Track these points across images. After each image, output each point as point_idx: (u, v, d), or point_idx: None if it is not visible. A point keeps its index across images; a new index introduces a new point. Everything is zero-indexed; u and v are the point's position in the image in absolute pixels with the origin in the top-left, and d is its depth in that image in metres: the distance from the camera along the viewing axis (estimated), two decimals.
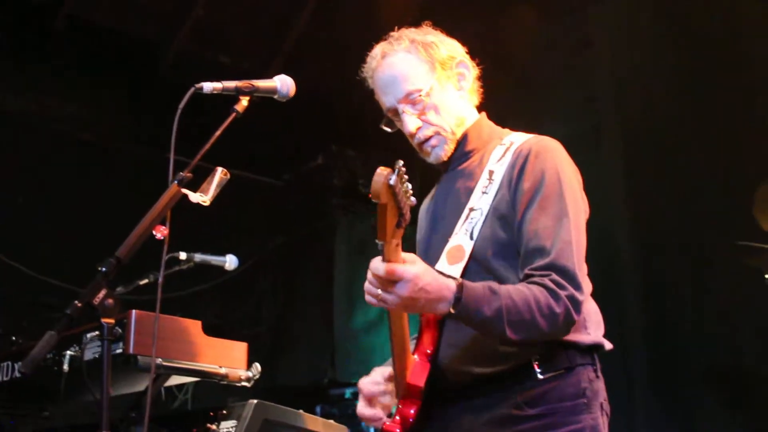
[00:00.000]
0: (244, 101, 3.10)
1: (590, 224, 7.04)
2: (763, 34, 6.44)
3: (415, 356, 3.01)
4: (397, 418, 2.97)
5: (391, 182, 2.47)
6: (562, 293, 2.82)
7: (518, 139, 3.19)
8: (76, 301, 2.65)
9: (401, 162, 2.58)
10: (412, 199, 2.58)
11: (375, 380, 3.15)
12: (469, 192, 3.12)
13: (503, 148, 3.16)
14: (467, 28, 7.80)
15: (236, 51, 8.78)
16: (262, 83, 3.16)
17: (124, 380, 4.10)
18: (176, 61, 8.52)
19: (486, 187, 3.08)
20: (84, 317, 2.75)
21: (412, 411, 2.96)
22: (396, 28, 3.35)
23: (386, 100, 3.23)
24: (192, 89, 3.03)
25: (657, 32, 7.07)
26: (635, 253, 7.01)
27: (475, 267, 3.00)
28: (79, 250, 7.45)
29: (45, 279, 7.59)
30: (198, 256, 5.14)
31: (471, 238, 3.01)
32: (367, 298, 2.74)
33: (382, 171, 2.48)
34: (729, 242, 5.62)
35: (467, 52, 3.37)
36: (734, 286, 6.23)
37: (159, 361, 3.80)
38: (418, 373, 2.98)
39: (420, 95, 3.16)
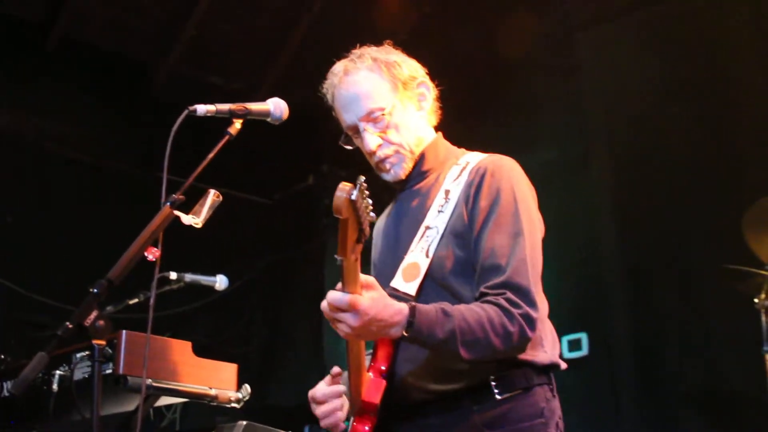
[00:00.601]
0: (238, 124, 3.09)
1: (579, 245, 7.15)
2: (749, 55, 6.49)
3: (370, 373, 2.97)
4: None
5: (353, 197, 2.47)
6: (516, 311, 2.81)
7: (474, 158, 3.19)
8: (68, 323, 2.63)
9: (362, 177, 2.58)
10: (372, 215, 2.57)
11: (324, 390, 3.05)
12: (425, 211, 3.11)
13: (459, 168, 3.16)
14: (453, 53, 7.97)
15: (228, 72, 8.82)
16: (255, 106, 3.15)
17: (114, 400, 4.10)
18: (168, 81, 8.55)
19: (442, 206, 3.07)
20: (74, 337, 2.75)
21: (366, 428, 2.92)
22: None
23: (347, 117, 3.20)
24: (186, 112, 3.01)
25: (644, 55, 7.12)
26: (623, 273, 7.07)
27: (431, 284, 2.99)
28: (68, 269, 7.47)
29: (34, 297, 7.57)
30: (188, 276, 5.13)
31: (427, 256, 3.00)
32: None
33: (344, 186, 2.47)
34: (717, 265, 5.66)
35: (427, 73, 3.36)
36: (721, 308, 6.27)
37: (149, 382, 3.80)
38: (373, 390, 2.93)
39: (382, 114, 3.14)
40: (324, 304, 2.67)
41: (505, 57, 7.94)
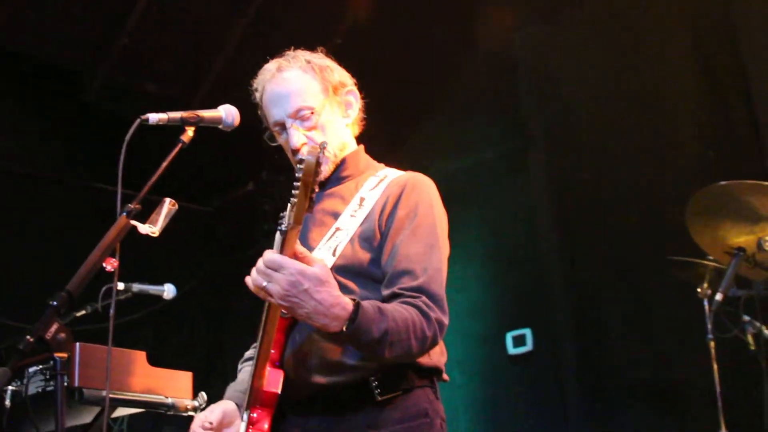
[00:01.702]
0: (190, 131, 3.10)
1: (519, 242, 7.21)
2: (683, 46, 6.60)
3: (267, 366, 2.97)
4: (251, 430, 2.92)
5: (320, 160, 2.60)
6: (432, 315, 2.89)
7: (392, 173, 3.29)
8: (28, 336, 2.61)
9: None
10: (317, 188, 2.68)
11: (203, 426, 3.06)
12: (338, 214, 3.18)
13: (377, 179, 3.25)
14: (387, 56, 8.00)
15: (163, 79, 8.73)
16: (207, 113, 3.15)
17: (71, 413, 4.07)
18: (103, 89, 8.44)
19: (355, 211, 3.15)
20: (35, 350, 2.72)
21: (266, 425, 2.92)
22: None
23: (275, 113, 3.25)
24: (138, 121, 3.01)
25: (581, 52, 7.20)
26: (564, 268, 7.14)
27: None
28: (16, 285, 7.35)
29: None
30: (136, 286, 5.12)
31: (333, 255, 3.06)
32: (251, 287, 2.76)
33: (314, 149, 2.61)
34: (659, 256, 5.75)
35: (357, 84, 3.43)
36: (664, 298, 6.36)
37: (104, 393, 3.78)
38: (273, 380, 2.94)
39: (311, 112, 3.21)
40: (259, 265, 2.71)
41: (440, 58, 7.98)
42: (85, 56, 8.42)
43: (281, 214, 2.70)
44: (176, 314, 8.58)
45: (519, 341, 7.19)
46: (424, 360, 3.02)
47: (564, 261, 7.11)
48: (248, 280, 2.76)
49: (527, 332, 7.16)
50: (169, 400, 4.07)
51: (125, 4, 8.00)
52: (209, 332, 8.98)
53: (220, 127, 3.21)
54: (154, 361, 4.42)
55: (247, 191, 9.20)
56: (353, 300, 2.78)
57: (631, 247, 6.65)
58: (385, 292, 2.98)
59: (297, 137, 3.19)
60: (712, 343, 5.25)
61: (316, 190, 2.66)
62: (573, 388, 6.87)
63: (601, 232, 6.87)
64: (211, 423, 3.02)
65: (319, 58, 3.35)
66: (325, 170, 3.25)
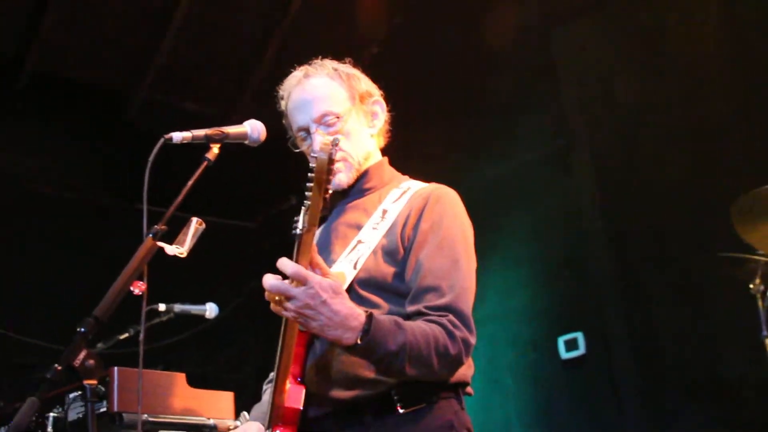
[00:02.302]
0: (215, 149, 3.02)
1: (566, 244, 7.11)
2: (727, 40, 6.48)
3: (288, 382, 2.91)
4: None
5: (333, 156, 2.56)
6: (458, 334, 2.82)
7: (415, 185, 3.22)
8: (56, 365, 2.57)
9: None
10: (331, 186, 2.64)
11: None
12: (360, 226, 3.13)
13: (400, 191, 3.19)
14: (424, 61, 7.94)
15: (201, 97, 8.77)
16: (232, 129, 3.09)
17: None
18: (142, 109, 8.50)
19: (377, 224, 3.09)
20: (65, 378, 2.68)
21: None
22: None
23: (300, 119, 3.22)
24: (162, 140, 2.95)
25: (621, 46, 7.09)
26: (614, 269, 7.01)
27: (353, 296, 2.94)
28: (53, 306, 7.39)
29: (20, 338, 7.47)
30: (177, 307, 5.11)
31: (354, 268, 3.00)
32: (272, 305, 2.72)
33: (326, 146, 2.57)
34: (710, 253, 5.63)
35: (382, 96, 3.38)
36: (716, 296, 6.24)
37: (145, 417, 3.75)
38: (294, 396, 2.88)
39: (336, 118, 3.18)
40: (271, 280, 2.67)
41: (477, 61, 7.91)
42: (124, 78, 8.50)
43: (295, 218, 2.65)
44: (224, 333, 8.57)
45: (571, 345, 7.08)
46: None
47: (613, 261, 6.99)
48: (266, 294, 2.71)
49: (579, 336, 7.05)
50: (211, 422, 4.03)
51: (161, 24, 8.04)
52: (258, 349, 8.96)
53: (247, 142, 3.14)
54: (202, 381, 4.39)
55: (289, 205, 9.18)
56: (366, 312, 2.72)
57: (681, 244, 6.52)
58: (410, 308, 2.91)
59: (321, 143, 3.10)
60: (767, 341, 5.13)
61: (330, 189, 2.60)
62: (628, 390, 6.74)
63: (650, 230, 6.75)
64: None
65: (346, 67, 3.33)
66: (349, 177, 3.22)
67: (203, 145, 3.07)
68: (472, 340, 2.87)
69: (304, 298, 2.62)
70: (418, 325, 2.79)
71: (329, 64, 3.30)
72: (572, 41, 7.45)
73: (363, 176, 3.26)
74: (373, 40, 8.19)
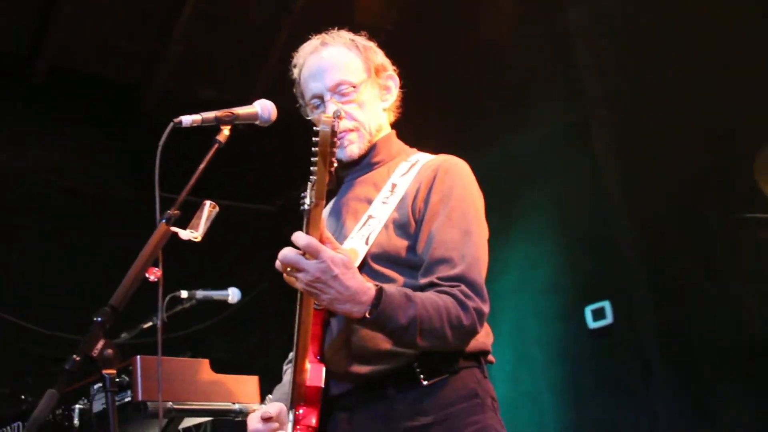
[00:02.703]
0: (226, 131, 3.00)
1: (589, 213, 7.07)
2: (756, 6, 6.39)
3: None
4: (298, 428, 2.86)
5: (335, 128, 2.52)
6: (470, 304, 2.82)
7: (424, 158, 3.22)
8: (74, 355, 2.55)
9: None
10: (335, 160, 2.61)
11: (263, 416, 3.02)
12: (370, 201, 3.13)
13: (408, 164, 3.19)
14: (440, 39, 7.89)
15: (218, 83, 8.74)
16: (242, 110, 3.06)
17: (139, 427, 4.05)
18: (159, 99, 8.48)
19: (387, 198, 3.09)
20: (89, 368, 2.67)
21: (313, 420, 2.86)
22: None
23: (314, 86, 3.21)
24: (171, 124, 2.94)
25: (638, 18, 7.01)
26: (637, 236, 6.96)
27: (367, 270, 2.98)
28: (78, 299, 7.39)
29: (47, 332, 7.50)
30: (199, 293, 5.11)
31: (366, 243, 3.00)
32: (279, 268, 2.72)
33: (328, 119, 2.53)
34: (734, 215, 5.58)
35: (396, 71, 3.39)
36: (742, 258, 6.18)
37: (169, 404, 3.74)
38: (315, 375, 2.89)
39: (352, 88, 3.18)
40: (285, 250, 2.67)
41: (493, 36, 7.86)
42: (139, 68, 8.50)
43: (302, 194, 2.63)
44: (249, 318, 8.58)
45: (598, 315, 7.04)
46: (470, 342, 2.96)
47: (636, 228, 6.93)
48: (278, 264, 2.70)
49: (606, 305, 7.00)
50: (236, 406, 4.02)
51: (173, 14, 8.02)
52: (283, 333, 8.95)
53: (258, 123, 3.12)
54: (229, 366, 4.38)
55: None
56: (377, 286, 2.72)
57: (704, 208, 6.46)
58: (423, 280, 2.91)
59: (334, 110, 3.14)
60: None
61: (335, 163, 2.58)
62: (656, 357, 6.69)
63: (672, 195, 6.68)
64: (270, 414, 2.97)
65: (363, 39, 3.33)
66: (361, 148, 3.21)
67: (216, 129, 3.05)
68: (486, 308, 2.87)
69: (315, 272, 2.62)
70: (429, 297, 2.79)
71: (346, 35, 3.30)
72: (589, 12, 7.37)
73: (371, 150, 3.25)
74: (383, 25, 8.13)
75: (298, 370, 2.86)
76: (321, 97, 3.20)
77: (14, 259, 7.57)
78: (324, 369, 2.89)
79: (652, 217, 6.85)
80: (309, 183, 2.61)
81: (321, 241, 2.68)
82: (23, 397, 5.17)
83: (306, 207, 2.63)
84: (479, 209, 3.10)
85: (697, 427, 6.31)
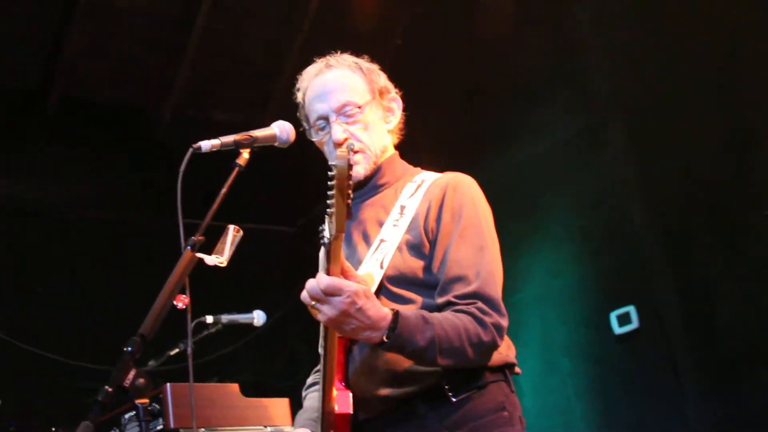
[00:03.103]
0: (245, 154, 3.01)
1: (609, 218, 7.02)
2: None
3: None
4: None
5: (351, 162, 2.52)
6: (488, 320, 2.86)
7: (429, 177, 3.24)
8: (107, 386, 2.56)
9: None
10: (351, 192, 2.59)
11: None
12: (381, 223, 3.15)
13: (414, 185, 3.21)
14: (446, 51, 7.88)
15: (229, 105, 8.76)
16: (260, 133, 3.07)
17: None
18: (172, 124, 8.50)
19: (397, 221, 3.11)
20: (117, 399, 2.67)
21: None
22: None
23: (320, 108, 3.23)
24: (190, 150, 2.94)
25: (650, 15, 6.96)
26: (660, 238, 6.89)
27: (384, 293, 3.01)
28: (105, 329, 7.40)
29: (76, 364, 7.51)
30: (225, 317, 5.12)
31: (381, 267, 3.03)
32: (308, 306, 2.74)
33: (343, 153, 2.53)
34: (758, 212, 5.54)
35: (398, 93, 3.41)
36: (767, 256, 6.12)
37: (202, 431, 3.73)
38: (343, 401, 2.90)
39: (357, 109, 3.20)
40: (311, 285, 2.66)
41: (501, 40, 7.84)
42: (150, 95, 8.52)
43: (320, 227, 2.65)
44: (274, 339, 8.57)
45: (624, 320, 6.98)
46: (494, 357, 2.98)
47: (657, 230, 6.88)
48: (304, 296, 2.72)
49: (631, 309, 6.95)
50: (269, 429, 4.02)
51: (182, 37, 8.04)
52: (310, 353, 8.94)
53: (276, 144, 3.12)
54: (257, 389, 4.37)
55: None
56: (392, 311, 2.75)
57: (727, 205, 6.40)
58: (439, 300, 2.95)
59: (340, 132, 3.17)
60: None
61: (351, 195, 2.56)
62: (686, 360, 6.63)
63: (693, 194, 6.62)
64: None
65: (365, 62, 3.36)
66: (366, 169, 3.23)
67: (233, 152, 3.05)
68: (504, 322, 2.91)
69: (341, 306, 2.64)
70: (446, 318, 2.83)
71: (349, 57, 3.33)
72: (595, 13, 7.33)
73: (377, 171, 3.27)
74: (390, 41, 8.15)
75: (326, 399, 2.88)
76: (326, 119, 3.22)
77: (38, 292, 7.59)
78: (351, 395, 2.91)
79: (674, 217, 6.79)
80: (326, 216, 2.61)
81: (342, 272, 2.72)
82: (54, 429, 5.16)
83: (326, 241, 2.63)
84: (490, 223, 3.14)
85: (731, 429, 6.26)
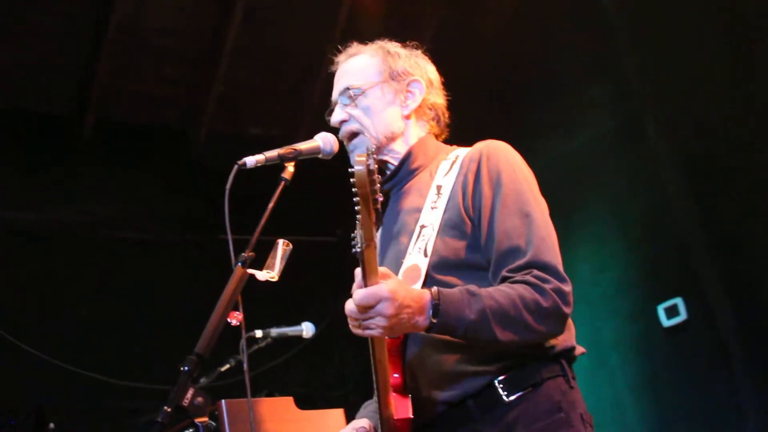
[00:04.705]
0: (290, 167, 3.02)
1: (651, 210, 6.96)
2: None
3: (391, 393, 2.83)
4: None
5: (371, 167, 2.40)
6: (547, 286, 2.72)
7: (463, 151, 3.14)
8: (166, 407, 2.56)
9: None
10: (380, 196, 2.48)
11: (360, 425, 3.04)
12: (419, 209, 3.05)
13: (449, 162, 3.11)
14: (483, 44, 7.86)
15: (264, 120, 8.78)
16: (304, 145, 3.08)
17: None
18: (208, 142, 8.52)
19: (435, 202, 3.01)
20: (175, 419, 2.67)
21: None
22: None
23: (333, 93, 3.28)
24: (235, 167, 2.95)
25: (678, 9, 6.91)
26: (701, 228, 6.82)
27: (430, 283, 2.87)
28: (149, 347, 7.46)
29: (121, 383, 7.55)
30: (274, 331, 5.12)
31: (425, 255, 2.91)
32: (354, 330, 2.68)
33: (361, 158, 2.42)
34: None
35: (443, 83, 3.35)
36: None
37: None
38: (401, 407, 2.80)
39: (359, 90, 3.18)
40: (350, 307, 2.60)
41: (534, 35, 7.82)
42: (184, 114, 8.54)
43: (352, 235, 2.53)
44: (323, 349, 8.57)
45: (672, 312, 6.92)
46: (548, 342, 2.85)
47: (701, 221, 6.82)
48: (350, 311, 2.64)
49: (679, 301, 6.89)
50: None
51: (213, 54, 8.07)
52: (358, 362, 8.94)
53: (320, 156, 3.12)
54: (307, 401, 4.37)
55: None
56: (430, 289, 2.65)
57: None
58: (496, 277, 2.82)
59: (337, 114, 3.20)
60: None
61: (380, 198, 2.46)
62: (737, 350, 6.55)
63: (734, 183, 6.56)
64: (365, 427, 2.98)
65: (395, 46, 3.33)
66: (370, 143, 3.14)
67: (275, 166, 3.05)
68: (566, 287, 2.76)
69: (388, 312, 2.55)
70: (497, 289, 2.71)
71: (382, 43, 3.33)
72: (628, 5, 7.28)
73: (407, 157, 3.19)
74: (422, 40, 8.15)
75: (383, 405, 2.78)
76: (337, 103, 3.25)
77: (83, 315, 7.64)
78: (409, 400, 2.82)
79: (716, 207, 6.73)
80: (357, 224, 2.50)
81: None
82: None
83: (358, 249, 2.51)
84: (532, 185, 3.01)
85: None
